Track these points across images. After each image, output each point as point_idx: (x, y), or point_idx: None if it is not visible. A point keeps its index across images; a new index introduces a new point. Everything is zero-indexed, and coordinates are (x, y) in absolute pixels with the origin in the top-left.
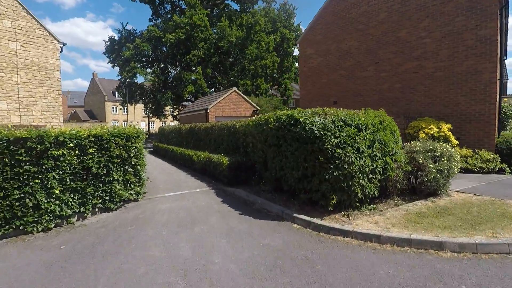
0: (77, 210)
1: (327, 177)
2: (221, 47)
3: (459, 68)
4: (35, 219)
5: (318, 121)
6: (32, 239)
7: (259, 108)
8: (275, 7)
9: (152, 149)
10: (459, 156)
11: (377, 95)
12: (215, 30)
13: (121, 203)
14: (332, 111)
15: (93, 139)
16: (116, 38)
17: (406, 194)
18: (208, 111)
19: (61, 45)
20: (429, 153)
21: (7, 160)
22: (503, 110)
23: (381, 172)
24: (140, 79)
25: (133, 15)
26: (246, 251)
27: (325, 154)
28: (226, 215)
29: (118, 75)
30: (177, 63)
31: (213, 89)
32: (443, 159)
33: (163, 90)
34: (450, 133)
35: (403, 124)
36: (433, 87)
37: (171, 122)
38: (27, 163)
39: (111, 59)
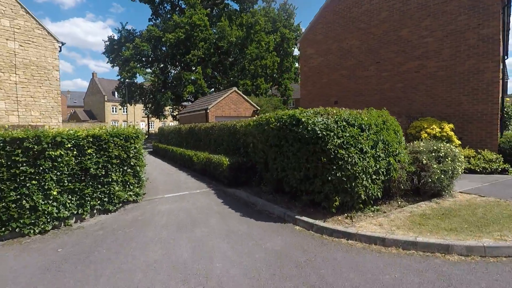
0: (75, 212)
1: (329, 178)
2: (221, 47)
3: (461, 68)
4: (32, 221)
5: (320, 121)
6: (29, 242)
7: (259, 108)
8: (275, 7)
9: (151, 150)
10: (463, 157)
11: (379, 94)
12: (215, 30)
13: (120, 204)
14: (334, 111)
15: (91, 140)
16: (115, 38)
17: (409, 195)
18: (208, 111)
19: (60, 45)
20: (433, 154)
21: (3, 161)
22: (505, 110)
23: (385, 173)
24: (139, 79)
25: (132, 15)
26: (247, 254)
27: (328, 154)
28: (226, 217)
29: (117, 75)
30: (177, 63)
31: (213, 89)
32: (447, 159)
33: (162, 90)
34: (452, 133)
35: (405, 124)
36: (435, 87)
37: (170, 122)
38: (24, 164)
39: (111, 59)
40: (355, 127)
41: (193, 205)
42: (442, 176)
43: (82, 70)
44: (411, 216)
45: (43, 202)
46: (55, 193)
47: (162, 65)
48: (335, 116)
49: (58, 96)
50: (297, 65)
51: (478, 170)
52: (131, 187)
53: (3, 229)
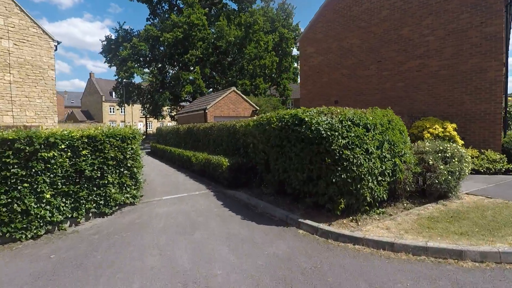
0: (69, 216)
1: (334, 180)
2: (219, 47)
3: (463, 67)
4: (24, 225)
5: (325, 121)
6: (21, 247)
7: (258, 108)
8: (274, 7)
9: (149, 150)
10: (470, 157)
11: (380, 94)
12: (213, 30)
13: (117, 207)
14: (338, 110)
15: (86, 140)
16: (113, 37)
17: (415, 197)
18: (206, 111)
19: (56, 44)
20: (439, 154)
21: None
22: (508, 109)
23: (390, 174)
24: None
25: (130, 15)
26: (250, 260)
27: (332, 155)
28: (227, 220)
29: (115, 75)
30: (175, 63)
31: (211, 89)
32: (453, 160)
33: (160, 90)
34: (455, 133)
35: (406, 124)
36: (437, 86)
37: (169, 123)
38: (15, 166)
39: (108, 58)
40: (360, 127)
41: (192, 207)
42: (449, 177)
43: (80, 70)
44: (418, 219)
45: (35, 206)
46: (48, 196)
47: (160, 65)
48: (340, 116)
49: (54, 96)
50: (296, 65)
51: (482, 170)
52: (128, 189)
53: None
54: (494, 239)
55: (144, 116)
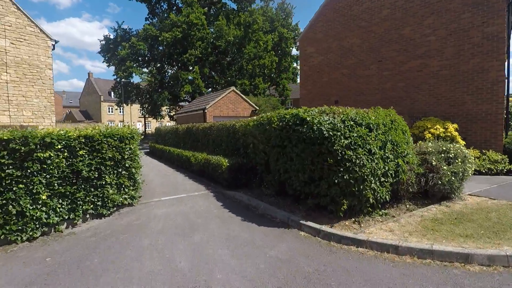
0: (66, 217)
1: (336, 180)
2: (218, 46)
3: (465, 67)
4: (19, 227)
5: (327, 121)
6: (16, 250)
7: (257, 108)
8: (273, 6)
9: (148, 150)
10: (473, 157)
11: (380, 94)
12: (212, 29)
13: (115, 208)
14: (340, 110)
15: (83, 140)
16: (111, 37)
17: (417, 198)
18: (205, 111)
19: (53, 43)
20: (442, 155)
21: None
22: (510, 110)
23: (393, 175)
24: (136, 79)
25: (129, 15)
26: (251, 264)
27: (335, 156)
28: (227, 221)
29: (113, 75)
30: (174, 63)
31: (210, 89)
32: (457, 160)
33: (159, 90)
34: (456, 133)
35: (407, 124)
36: (438, 86)
37: (167, 123)
38: (10, 167)
39: (107, 58)
40: (363, 127)
41: (191, 208)
42: (453, 178)
43: (78, 70)
44: (422, 221)
45: (31, 207)
46: (44, 197)
47: (159, 64)
48: (342, 115)
49: (51, 96)
50: (295, 65)
51: (484, 171)
52: (126, 190)
53: None
54: (500, 242)
55: (143, 116)
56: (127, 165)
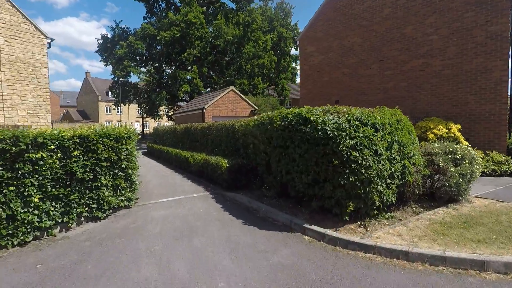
0: (59, 220)
1: (341, 182)
2: (217, 46)
3: (468, 66)
4: (10, 232)
5: (331, 120)
6: (5, 256)
7: (257, 108)
8: (272, 6)
9: (146, 150)
10: (480, 159)
11: (382, 94)
12: (211, 29)
13: (110, 211)
14: (345, 109)
15: (77, 141)
16: (109, 36)
17: (423, 200)
18: (204, 110)
19: (49, 41)
20: (449, 156)
21: None
22: None
23: (400, 177)
24: (134, 79)
25: (127, 14)
26: (253, 270)
27: (340, 157)
28: (227, 225)
29: (111, 74)
30: (172, 62)
31: (208, 89)
32: (464, 161)
33: (157, 89)
34: (459, 134)
35: None
36: (440, 86)
37: (166, 123)
38: (0, 168)
39: (104, 57)
40: (369, 127)
41: (190, 210)
42: (461, 180)
43: (76, 70)
44: (431, 225)
45: (22, 211)
46: (36, 200)
47: (157, 64)
48: (347, 115)
49: (47, 95)
50: (294, 65)
51: (487, 172)
52: (123, 192)
53: None
54: None
55: (140, 116)
56: (123, 166)
